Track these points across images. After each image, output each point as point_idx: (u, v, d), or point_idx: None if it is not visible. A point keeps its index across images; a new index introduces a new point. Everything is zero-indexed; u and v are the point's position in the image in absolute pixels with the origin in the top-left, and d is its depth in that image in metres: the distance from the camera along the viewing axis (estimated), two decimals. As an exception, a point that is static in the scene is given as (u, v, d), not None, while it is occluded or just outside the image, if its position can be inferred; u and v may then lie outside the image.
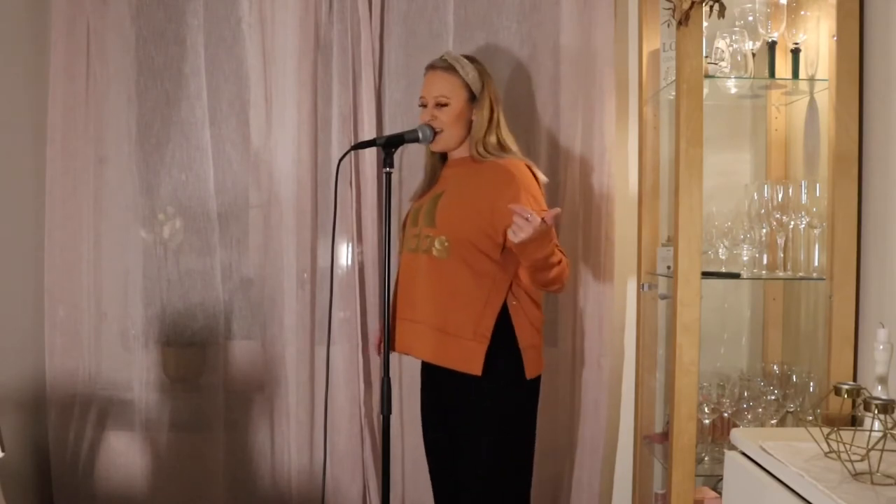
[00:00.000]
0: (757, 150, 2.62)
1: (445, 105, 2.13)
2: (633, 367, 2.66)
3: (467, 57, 2.18)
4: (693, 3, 2.02)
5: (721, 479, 1.82)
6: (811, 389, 2.20)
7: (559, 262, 1.98)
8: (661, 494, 2.46)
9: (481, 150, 2.12)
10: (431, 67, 2.19)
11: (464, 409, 2.08)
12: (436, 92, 2.14)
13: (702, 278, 2.07)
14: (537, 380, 2.11)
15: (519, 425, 2.10)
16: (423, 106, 2.17)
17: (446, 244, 2.06)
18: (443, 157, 2.25)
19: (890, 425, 1.41)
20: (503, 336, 2.04)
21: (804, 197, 2.15)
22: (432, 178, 2.24)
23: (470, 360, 2.02)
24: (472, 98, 2.14)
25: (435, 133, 2.14)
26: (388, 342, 2.11)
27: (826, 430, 1.50)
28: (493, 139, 2.13)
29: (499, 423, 2.06)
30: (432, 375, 2.18)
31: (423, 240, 2.11)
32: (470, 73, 2.14)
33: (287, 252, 2.58)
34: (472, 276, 2.04)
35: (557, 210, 1.95)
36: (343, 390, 2.58)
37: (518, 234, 1.84)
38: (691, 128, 2.06)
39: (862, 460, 1.38)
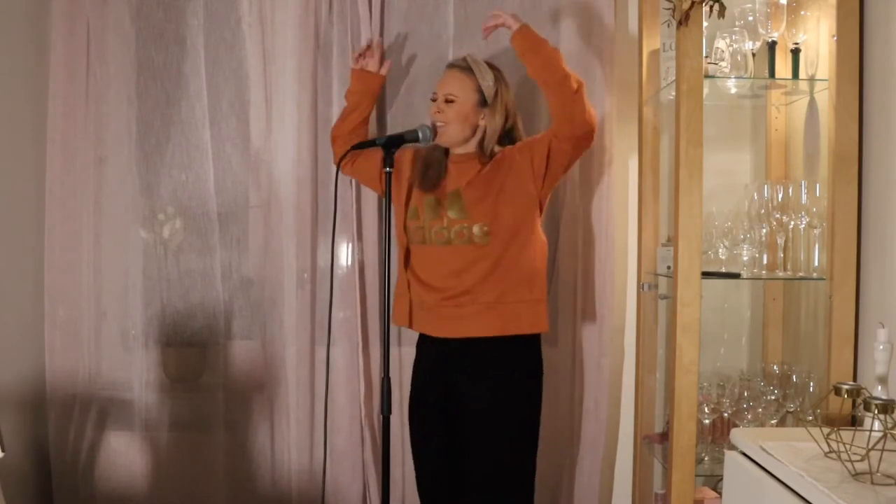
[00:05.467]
0: (757, 150, 2.62)
1: (453, 102, 2.18)
2: (633, 367, 2.65)
3: (489, 64, 2.24)
4: (693, 3, 2.02)
5: (721, 479, 1.82)
6: (811, 389, 2.20)
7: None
8: (661, 494, 2.46)
9: (491, 150, 2.21)
10: (451, 66, 2.27)
11: (492, 379, 2.14)
12: (446, 89, 2.21)
13: (702, 278, 2.07)
14: (539, 339, 2.21)
15: (536, 388, 2.18)
16: (434, 101, 2.23)
17: (486, 229, 2.14)
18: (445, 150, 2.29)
19: (890, 425, 1.41)
20: None
21: (804, 197, 2.15)
22: (440, 171, 2.24)
23: (535, 319, 2.15)
24: (483, 103, 2.19)
25: (436, 130, 2.18)
26: (388, 345, 2.11)
27: (826, 430, 1.50)
28: (493, 143, 2.21)
29: (521, 388, 2.15)
30: (446, 359, 2.19)
31: (457, 232, 2.15)
32: (486, 78, 2.20)
33: (287, 252, 2.58)
34: (518, 250, 2.15)
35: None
36: (343, 390, 2.58)
37: (502, 17, 2.15)
38: (691, 128, 2.06)
39: (862, 460, 1.38)
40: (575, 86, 2.08)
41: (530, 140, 2.19)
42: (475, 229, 2.14)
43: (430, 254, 2.21)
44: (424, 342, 2.29)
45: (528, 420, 2.17)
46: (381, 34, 2.59)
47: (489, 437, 2.13)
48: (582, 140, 2.14)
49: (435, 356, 2.24)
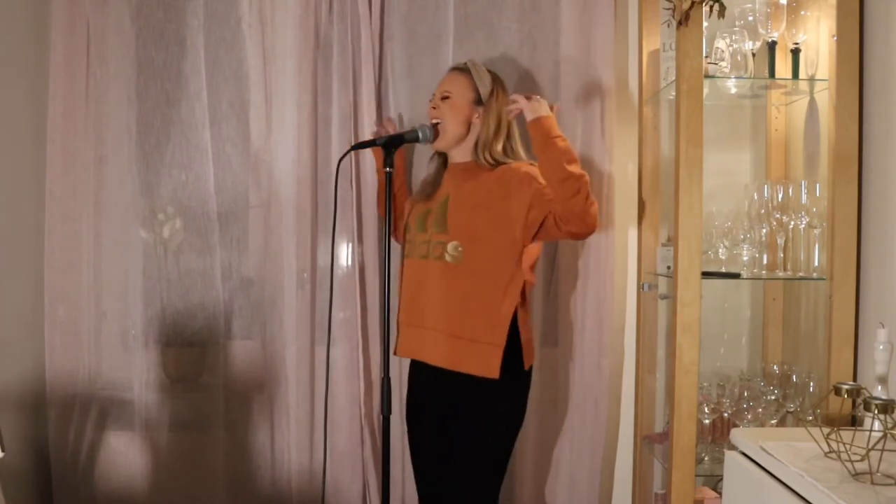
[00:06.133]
0: (757, 150, 2.62)
1: (447, 98, 2.20)
2: (633, 367, 2.65)
3: (489, 70, 2.25)
4: (693, 3, 2.02)
5: (721, 479, 1.82)
6: (811, 389, 2.21)
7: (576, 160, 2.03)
8: (661, 494, 2.46)
9: (487, 156, 2.17)
10: (451, 69, 2.28)
11: (470, 409, 2.10)
12: (443, 87, 2.22)
13: (702, 278, 2.07)
14: (531, 369, 2.17)
15: (516, 417, 2.15)
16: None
17: (460, 249, 2.10)
18: (444, 161, 2.29)
19: (890, 425, 1.41)
20: (509, 335, 2.08)
21: (804, 197, 2.15)
22: (436, 182, 2.25)
23: (487, 364, 2.06)
24: (478, 102, 2.20)
25: (436, 127, 2.18)
26: (388, 345, 2.11)
27: (826, 430, 1.50)
28: (499, 147, 2.17)
29: (502, 419, 2.12)
30: (434, 377, 2.18)
31: (434, 246, 2.14)
32: (483, 79, 2.21)
33: (287, 252, 2.58)
34: (486, 280, 2.09)
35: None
36: (343, 390, 2.58)
37: (519, 104, 2.07)
38: (691, 128, 2.06)
39: (862, 460, 1.38)
40: (577, 187, 1.96)
41: (539, 186, 2.04)
42: (449, 247, 2.11)
43: (410, 267, 2.22)
44: (414, 362, 2.29)
45: (511, 443, 2.16)
46: (381, 34, 2.59)
47: (477, 462, 2.11)
48: (576, 236, 2.05)
49: (426, 376, 2.23)
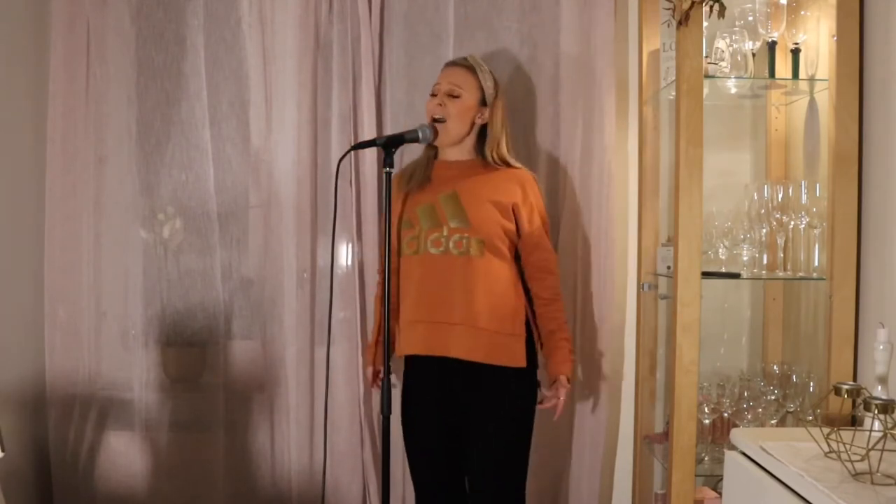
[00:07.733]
0: (757, 150, 2.62)
1: (457, 97, 2.18)
2: (633, 367, 2.65)
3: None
4: (693, 3, 2.02)
5: (721, 479, 1.82)
6: (811, 389, 2.21)
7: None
8: (661, 494, 2.46)
9: (496, 157, 2.21)
10: (453, 63, 2.26)
11: (490, 404, 2.14)
12: (451, 82, 2.20)
13: (702, 278, 2.07)
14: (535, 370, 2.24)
15: (531, 415, 2.21)
16: (434, 95, 2.22)
17: (482, 243, 2.14)
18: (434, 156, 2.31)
19: (890, 425, 1.41)
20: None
21: (804, 197, 2.15)
22: (426, 176, 2.24)
23: (513, 354, 2.14)
24: (483, 103, 2.21)
25: (436, 130, 2.17)
26: (388, 344, 2.12)
27: (826, 430, 1.50)
28: (502, 149, 2.22)
29: (521, 415, 2.17)
30: (453, 373, 2.16)
31: (455, 241, 2.14)
32: (488, 80, 2.22)
33: (287, 252, 2.58)
34: (503, 273, 2.16)
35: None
36: (343, 390, 2.58)
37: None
38: (691, 128, 2.06)
39: (862, 460, 1.38)
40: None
41: (537, 228, 2.22)
42: (474, 241, 2.13)
43: (422, 263, 2.18)
44: (416, 360, 2.24)
45: (529, 443, 2.21)
46: (381, 34, 2.59)
47: (499, 459, 2.14)
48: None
49: (439, 372, 2.20)
